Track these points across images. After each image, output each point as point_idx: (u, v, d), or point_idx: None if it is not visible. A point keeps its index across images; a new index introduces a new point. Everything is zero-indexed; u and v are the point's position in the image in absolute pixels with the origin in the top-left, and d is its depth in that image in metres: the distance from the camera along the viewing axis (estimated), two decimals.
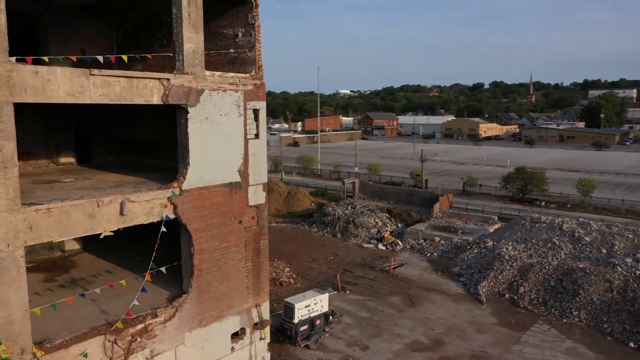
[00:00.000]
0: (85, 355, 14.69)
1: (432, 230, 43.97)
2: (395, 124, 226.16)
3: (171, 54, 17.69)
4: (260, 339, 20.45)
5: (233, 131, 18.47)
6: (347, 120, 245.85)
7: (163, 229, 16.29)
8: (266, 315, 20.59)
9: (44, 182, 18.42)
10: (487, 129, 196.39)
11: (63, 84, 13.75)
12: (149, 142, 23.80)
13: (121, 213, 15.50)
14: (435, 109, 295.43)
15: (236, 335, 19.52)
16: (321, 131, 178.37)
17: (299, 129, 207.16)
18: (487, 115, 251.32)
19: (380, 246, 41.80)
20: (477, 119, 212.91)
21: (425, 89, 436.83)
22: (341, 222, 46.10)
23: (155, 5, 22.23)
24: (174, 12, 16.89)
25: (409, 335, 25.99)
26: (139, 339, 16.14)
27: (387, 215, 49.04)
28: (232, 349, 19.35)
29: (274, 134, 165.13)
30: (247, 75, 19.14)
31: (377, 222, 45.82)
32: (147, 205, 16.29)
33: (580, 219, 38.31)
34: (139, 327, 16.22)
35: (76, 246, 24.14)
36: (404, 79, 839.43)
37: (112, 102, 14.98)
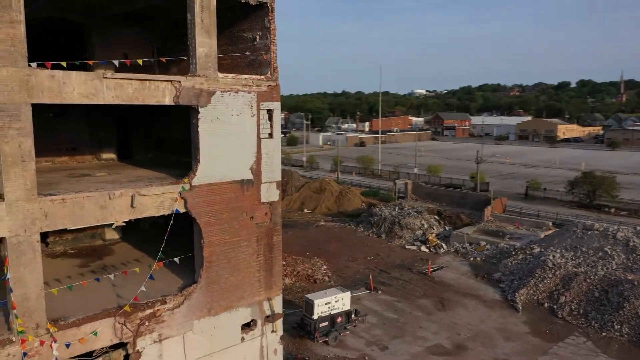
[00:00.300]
0: (96, 334, 16.07)
1: (479, 234, 42.79)
2: (467, 125, 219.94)
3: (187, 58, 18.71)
4: (272, 331, 21.15)
5: (245, 130, 19.27)
6: (417, 120, 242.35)
7: (172, 221, 17.43)
8: (278, 309, 21.26)
9: (78, 176, 20.21)
10: (566, 130, 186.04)
11: (77, 87, 15.13)
12: (181, 140, 25.18)
13: (132, 205, 16.78)
14: (513, 109, 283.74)
15: (247, 326, 20.35)
16: (388, 131, 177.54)
17: (367, 129, 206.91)
18: (567, 116, 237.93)
19: (424, 248, 41.30)
20: (555, 120, 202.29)
21: (506, 88, 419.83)
22: (387, 222, 46.00)
23: (184, 12, 23.63)
24: (188, 18, 17.96)
25: (432, 338, 25.72)
26: (147, 323, 17.35)
27: (436, 217, 48.30)
28: (242, 339, 20.18)
29: (341, 134, 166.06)
30: (262, 77, 19.88)
31: (422, 224, 45.26)
32: (157, 198, 17.46)
33: (639, 228, 35.81)
34: (148, 312, 17.42)
35: (116, 236, 26.07)
36: (483, 78, 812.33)
37: (124, 103, 16.24)
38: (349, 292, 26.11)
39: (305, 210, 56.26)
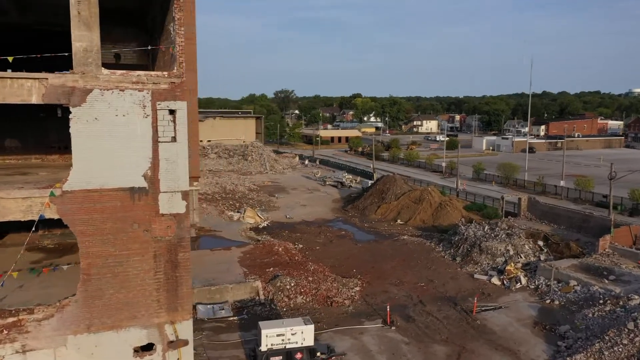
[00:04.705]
0: None
1: (574, 270, 33.64)
2: None
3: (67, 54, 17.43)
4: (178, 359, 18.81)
5: (134, 133, 17.26)
6: (614, 124, 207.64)
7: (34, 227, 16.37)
8: (186, 335, 18.82)
9: (9, 174, 20.52)
10: None
11: None
12: None
13: None
14: None
15: (144, 350, 18.38)
16: (568, 136, 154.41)
17: (542, 133, 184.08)
18: None
19: (495, 280, 34.01)
20: None
21: None
22: (467, 244, 39.23)
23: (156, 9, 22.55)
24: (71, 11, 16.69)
25: None
26: (6, 331, 16.60)
27: (542, 243, 39.62)
28: None
29: (506, 138, 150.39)
30: (162, 73, 17.65)
31: (507, 250, 37.41)
32: (24, 202, 16.57)
33: None
34: (10, 320, 16.66)
35: None
36: None
37: None
38: (311, 326, 22.17)
39: (399, 221, 51.41)
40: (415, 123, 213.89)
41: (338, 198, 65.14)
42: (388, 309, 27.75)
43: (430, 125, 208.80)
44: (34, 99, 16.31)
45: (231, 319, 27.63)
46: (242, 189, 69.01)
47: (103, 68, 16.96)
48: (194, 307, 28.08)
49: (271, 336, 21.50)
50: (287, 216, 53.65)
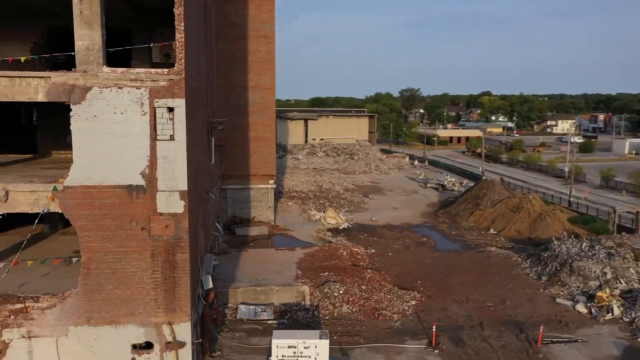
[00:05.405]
0: None
1: None
2: None
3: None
4: None
5: (133, 131, 17.31)
6: None
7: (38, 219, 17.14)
8: (183, 337, 18.54)
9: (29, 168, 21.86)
10: None
11: None
12: None
13: (5, 200, 17.24)
14: None
15: (142, 348, 18.42)
16: None
17: None
18: None
19: (580, 307, 29.05)
20: None
21: None
22: (556, 261, 34.22)
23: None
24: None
25: None
26: (13, 317, 17.60)
27: None
28: (134, 359, 18.37)
29: None
30: (161, 70, 17.43)
31: (604, 273, 31.78)
32: (31, 196, 17.45)
33: None
34: (18, 306, 17.67)
35: None
36: None
37: None
38: (326, 341, 20.40)
39: (492, 230, 46.70)
40: (549, 123, 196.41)
41: (434, 202, 61.47)
42: (434, 329, 24.96)
43: (566, 126, 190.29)
44: (40, 97, 17.03)
45: (270, 322, 26.96)
46: (338, 189, 68.31)
47: (105, 66, 17.20)
48: (236, 307, 27.94)
49: (282, 347, 20.34)
50: (373, 218, 51.78)
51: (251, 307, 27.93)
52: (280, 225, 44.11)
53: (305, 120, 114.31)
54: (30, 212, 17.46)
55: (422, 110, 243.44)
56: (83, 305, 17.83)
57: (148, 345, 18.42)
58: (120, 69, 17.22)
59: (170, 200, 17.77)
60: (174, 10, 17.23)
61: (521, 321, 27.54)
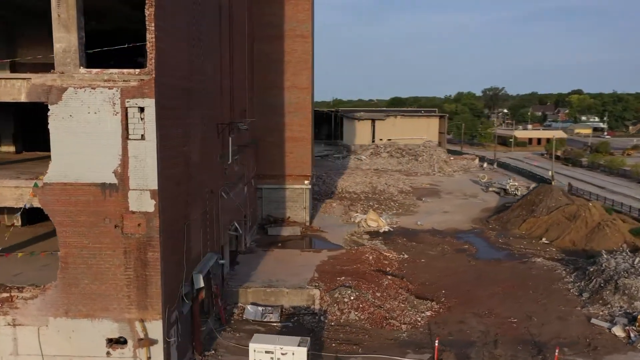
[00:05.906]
0: None
1: None
2: None
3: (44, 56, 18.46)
4: (148, 358, 18.75)
5: (105, 130, 17.69)
6: None
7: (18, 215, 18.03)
8: (155, 335, 18.67)
9: None
10: None
11: None
12: None
13: None
14: None
15: (117, 343, 18.81)
16: None
17: None
18: None
19: (617, 330, 25.89)
20: None
21: None
22: (602, 277, 30.85)
23: None
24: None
25: None
26: (0, 304, 18.65)
27: None
28: (108, 353, 18.81)
29: None
30: (134, 70, 17.65)
31: None
32: (16, 191, 18.40)
33: None
34: (4, 295, 18.70)
35: None
36: None
37: None
38: (304, 349, 19.56)
39: (544, 239, 43.05)
40: None
41: (491, 207, 58.07)
42: (436, 344, 23.32)
43: None
44: (23, 98, 17.87)
45: (275, 324, 26.63)
46: (392, 190, 66.66)
47: (81, 67, 17.73)
48: (244, 307, 27.90)
49: (259, 351, 19.90)
50: (418, 222, 49.84)
51: (259, 308, 27.76)
52: (315, 227, 43.65)
53: (373, 120, 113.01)
54: (15, 206, 18.39)
55: (505, 110, 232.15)
56: (62, 297, 18.50)
57: (123, 341, 18.76)
58: (95, 70, 17.65)
59: (142, 199, 17.96)
60: (145, 10, 17.36)
61: (543, 341, 25.08)
